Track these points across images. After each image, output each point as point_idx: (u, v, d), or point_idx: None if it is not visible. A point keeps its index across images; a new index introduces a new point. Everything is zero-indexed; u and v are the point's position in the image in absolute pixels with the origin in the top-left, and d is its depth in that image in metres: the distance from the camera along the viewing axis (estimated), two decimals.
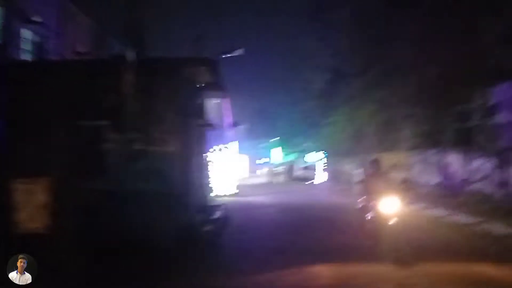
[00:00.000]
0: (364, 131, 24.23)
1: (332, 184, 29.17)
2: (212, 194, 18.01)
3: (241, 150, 44.86)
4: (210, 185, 15.75)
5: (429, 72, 22.11)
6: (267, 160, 51.94)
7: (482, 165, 13.62)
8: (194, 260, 7.24)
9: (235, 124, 27.81)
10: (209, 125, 12.13)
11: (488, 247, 8.43)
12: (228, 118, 27.77)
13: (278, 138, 50.84)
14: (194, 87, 10.94)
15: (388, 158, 22.21)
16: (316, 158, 42.63)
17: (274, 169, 33.74)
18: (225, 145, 20.91)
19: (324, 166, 37.97)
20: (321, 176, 32.89)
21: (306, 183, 32.02)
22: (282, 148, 51.62)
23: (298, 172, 33.29)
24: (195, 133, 10.88)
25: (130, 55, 8.49)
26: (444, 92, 19.74)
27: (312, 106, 39.74)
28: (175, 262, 7.07)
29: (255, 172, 49.94)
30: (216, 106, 21.30)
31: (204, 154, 12.33)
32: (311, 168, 35.44)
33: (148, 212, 8.06)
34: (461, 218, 11.53)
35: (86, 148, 8.97)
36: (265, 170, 41.31)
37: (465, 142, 18.53)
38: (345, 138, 29.52)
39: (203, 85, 11.20)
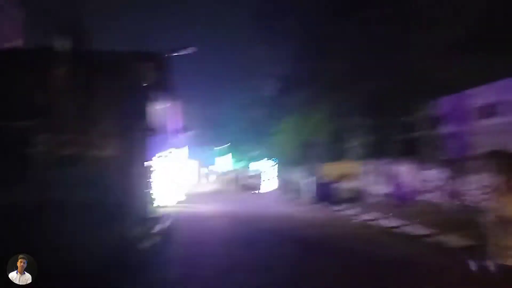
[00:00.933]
0: (313, 140, 24.07)
1: (280, 193, 28.75)
2: (154, 205, 16.98)
3: (190, 156, 43.82)
4: (152, 195, 14.71)
5: (376, 83, 22.38)
6: (216, 167, 51.10)
7: (431, 175, 13.65)
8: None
9: (184, 129, 26.86)
10: (154, 129, 11.19)
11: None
12: (177, 122, 26.80)
13: (228, 144, 50.19)
14: (138, 86, 10.02)
15: (337, 168, 22.20)
16: (265, 166, 42.30)
17: (223, 176, 32.96)
18: (173, 151, 19.91)
19: (275, 174, 37.74)
20: (269, 185, 32.45)
21: (252, 192, 31.47)
22: (232, 155, 50.98)
23: (245, 181, 32.66)
24: (137, 137, 9.94)
25: (65, 46, 7.48)
26: (390, 103, 19.95)
27: (263, 113, 39.50)
28: None
29: (204, 179, 48.91)
30: (163, 109, 20.33)
31: (146, 161, 11.36)
32: (257, 176, 35.00)
33: (80, 226, 7.06)
34: (414, 229, 11.27)
35: (9, 152, 7.84)
36: (214, 177, 40.43)
37: (411, 152, 18.72)
38: (294, 147, 29.31)
39: (149, 84, 10.31)
